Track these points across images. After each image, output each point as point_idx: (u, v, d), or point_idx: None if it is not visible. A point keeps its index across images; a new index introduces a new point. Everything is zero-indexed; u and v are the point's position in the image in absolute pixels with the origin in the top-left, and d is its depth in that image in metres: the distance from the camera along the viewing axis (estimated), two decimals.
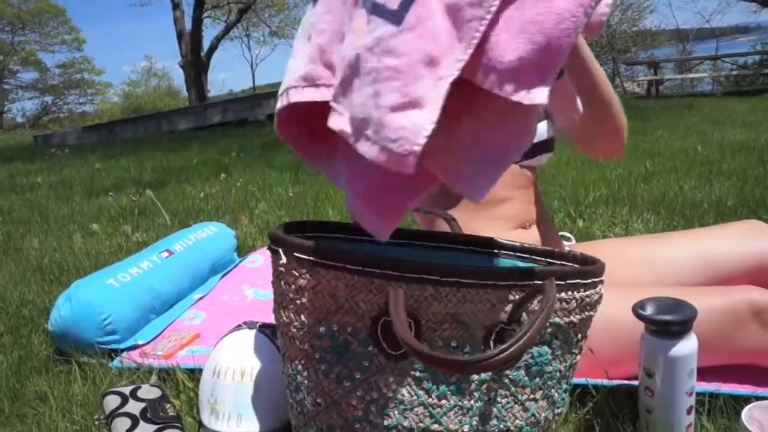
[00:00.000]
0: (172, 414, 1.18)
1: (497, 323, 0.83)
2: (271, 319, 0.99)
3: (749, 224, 1.40)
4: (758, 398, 0.98)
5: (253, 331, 1.16)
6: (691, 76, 13.88)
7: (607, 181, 3.29)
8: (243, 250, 2.44)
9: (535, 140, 1.32)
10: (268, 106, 13.54)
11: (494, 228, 1.26)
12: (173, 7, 15.43)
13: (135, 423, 1.14)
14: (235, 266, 2.17)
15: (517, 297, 0.82)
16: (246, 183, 4.30)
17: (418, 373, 0.84)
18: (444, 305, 0.81)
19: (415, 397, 0.84)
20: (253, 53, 29.39)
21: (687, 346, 1.01)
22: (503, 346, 0.71)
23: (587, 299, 0.89)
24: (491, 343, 0.84)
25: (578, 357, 0.94)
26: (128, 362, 1.49)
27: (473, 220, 1.28)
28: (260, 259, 2.16)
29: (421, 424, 0.85)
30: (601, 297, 0.92)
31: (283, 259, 0.85)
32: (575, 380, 1.16)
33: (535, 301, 0.84)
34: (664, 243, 1.42)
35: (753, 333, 1.14)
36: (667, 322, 1.00)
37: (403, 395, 0.84)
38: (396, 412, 0.85)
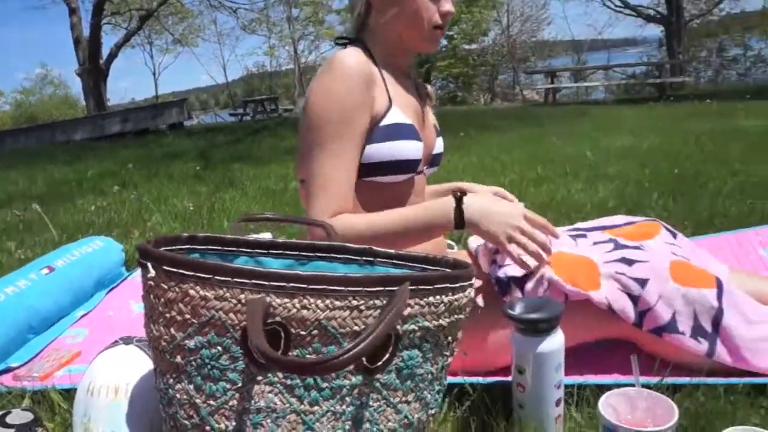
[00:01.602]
0: None
1: (366, 328, 0.84)
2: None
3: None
4: (620, 386, 1.04)
5: (130, 347, 1.13)
6: (585, 84, 14.58)
7: (500, 186, 3.39)
8: (132, 263, 2.37)
9: (437, 152, 1.43)
10: (170, 116, 13.21)
11: None
12: (70, 12, 14.75)
13: None
14: (123, 281, 2.10)
15: (383, 303, 0.84)
16: (141, 195, 4.17)
17: (289, 381, 0.85)
18: (312, 313, 0.83)
19: (287, 405, 0.85)
20: (156, 61, 28.45)
21: (554, 342, 1.06)
22: (348, 346, 0.73)
23: (456, 303, 0.92)
24: None
25: (450, 359, 0.97)
26: None
27: None
28: None
29: (294, 431, 0.86)
30: (470, 300, 0.95)
31: (152, 273, 0.84)
32: (453, 380, 1.20)
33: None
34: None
35: None
36: (534, 320, 1.05)
37: (275, 404, 0.85)
38: (269, 421, 0.85)
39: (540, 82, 15.30)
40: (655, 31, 18.50)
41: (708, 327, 1.18)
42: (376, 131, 1.26)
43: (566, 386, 1.12)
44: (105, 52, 15.69)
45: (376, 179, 1.29)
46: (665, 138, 4.97)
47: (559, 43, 21.85)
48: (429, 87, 1.48)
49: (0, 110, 34.00)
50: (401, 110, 1.30)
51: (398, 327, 0.87)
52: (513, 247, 1.20)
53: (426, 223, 1.22)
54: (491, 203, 1.23)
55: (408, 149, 1.27)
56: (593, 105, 10.75)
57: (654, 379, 1.17)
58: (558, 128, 6.47)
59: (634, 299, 1.20)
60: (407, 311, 0.87)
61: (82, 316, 1.83)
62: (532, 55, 19.32)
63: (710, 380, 1.17)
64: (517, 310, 1.07)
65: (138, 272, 2.11)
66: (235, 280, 0.81)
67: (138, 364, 1.10)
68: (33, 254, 2.63)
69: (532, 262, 1.23)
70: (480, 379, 1.21)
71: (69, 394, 1.30)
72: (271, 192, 3.93)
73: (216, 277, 0.81)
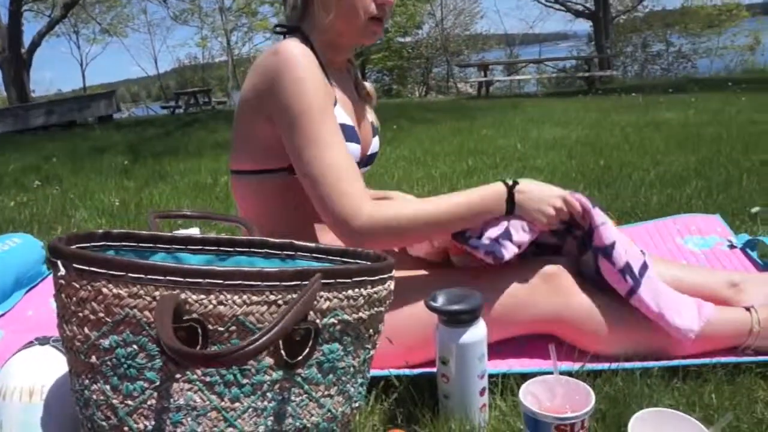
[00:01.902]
0: None
1: None
2: None
3: None
4: (541, 373, 1.07)
5: (46, 347, 1.10)
6: (517, 77, 14.86)
7: (430, 178, 3.43)
8: None
9: (373, 151, 1.43)
10: (98, 108, 12.79)
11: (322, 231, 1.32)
12: None
13: None
14: (43, 279, 2.02)
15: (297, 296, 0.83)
16: (66, 190, 4.03)
17: (208, 378, 0.83)
18: (229, 309, 0.82)
19: (207, 402, 0.84)
20: (83, 51, 27.44)
21: (476, 333, 1.08)
22: (252, 338, 0.73)
23: (375, 295, 0.93)
24: (280, 343, 0.86)
25: (372, 352, 0.97)
26: None
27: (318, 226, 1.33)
28: None
29: (215, 429, 0.84)
30: (390, 293, 0.96)
31: (62, 271, 0.81)
32: (378, 372, 1.21)
33: (321, 299, 0.87)
34: None
35: (543, 299, 1.27)
36: (456, 311, 1.07)
37: (195, 401, 0.83)
38: (189, 419, 0.83)
39: (473, 76, 15.51)
40: (585, 25, 19.07)
41: (636, 270, 1.25)
42: None
43: (490, 375, 1.14)
44: (27, 40, 15.04)
45: None
46: (593, 130, 5.12)
47: (491, 36, 22.21)
48: (369, 85, 1.47)
49: None
50: (342, 109, 1.29)
51: (317, 321, 0.88)
52: (545, 227, 1.28)
53: (480, 210, 1.25)
54: (532, 187, 1.28)
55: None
56: (525, 98, 10.97)
57: (575, 366, 1.21)
58: (490, 121, 6.57)
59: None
60: (326, 305, 0.88)
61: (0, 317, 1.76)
62: (465, 48, 19.57)
63: (627, 365, 1.21)
64: (439, 301, 1.09)
65: None
66: (149, 276, 0.80)
67: (54, 365, 1.07)
68: None
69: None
70: (406, 371, 1.22)
71: None
72: (201, 186, 3.86)
73: (129, 275, 0.79)
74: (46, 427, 1.02)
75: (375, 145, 1.44)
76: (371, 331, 0.95)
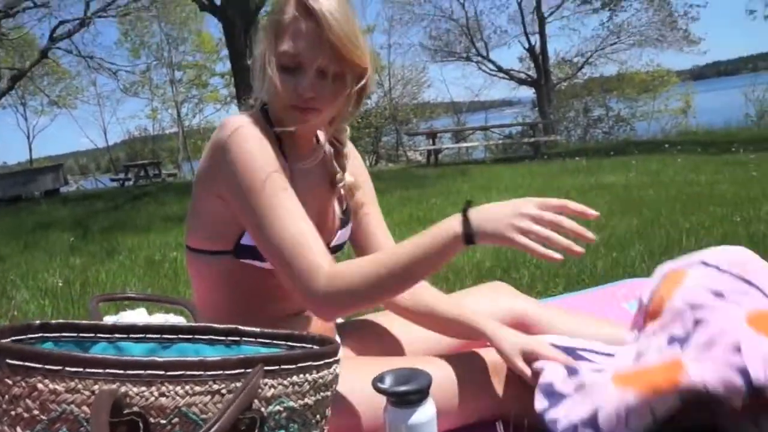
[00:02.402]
0: None
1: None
2: None
3: (491, 285, 1.57)
4: None
5: None
6: (465, 145, 15.22)
7: None
8: None
9: (338, 242, 1.36)
10: (45, 182, 12.60)
11: (279, 321, 1.25)
12: None
13: None
14: None
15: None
16: (8, 269, 3.91)
17: None
18: (171, 401, 0.79)
19: None
20: (30, 123, 27.12)
21: (426, 413, 1.07)
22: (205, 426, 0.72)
23: (321, 380, 0.91)
24: None
25: None
26: None
27: (262, 314, 1.29)
28: None
29: None
30: (336, 377, 0.95)
31: None
32: None
33: (266, 387, 0.85)
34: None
35: (492, 389, 1.26)
36: (404, 392, 1.06)
37: None
38: None
39: (422, 144, 15.83)
40: (528, 92, 19.84)
41: None
42: None
43: None
44: None
45: (252, 263, 1.24)
46: (540, 194, 5.08)
47: (439, 104, 22.78)
48: (350, 180, 1.34)
49: None
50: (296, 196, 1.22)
51: (262, 409, 0.86)
52: (523, 239, 1.04)
53: (433, 245, 1.09)
54: (494, 205, 1.10)
55: None
56: (473, 164, 11.24)
57: None
58: (439, 189, 6.69)
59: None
60: (270, 392, 0.86)
61: None
62: (414, 116, 20.01)
63: None
64: (387, 383, 1.08)
65: None
66: (88, 370, 0.77)
67: None
68: None
69: (548, 251, 1.05)
70: None
71: None
72: (150, 262, 3.80)
73: (66, 368, 0.76)
74: None
75: (341, 236, 1.37)
76: (318, 416, 0.94)
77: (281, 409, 0.87)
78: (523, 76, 19.15)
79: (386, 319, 1.49)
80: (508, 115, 24.01)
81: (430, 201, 5.61)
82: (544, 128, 14.00)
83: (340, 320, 1.56)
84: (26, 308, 2.82)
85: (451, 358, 1.29)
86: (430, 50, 20.44)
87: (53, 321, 0.95)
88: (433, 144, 12.61)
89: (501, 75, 19.67)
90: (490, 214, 1.07)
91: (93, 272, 3.60)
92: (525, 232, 1.04)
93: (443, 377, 1.20)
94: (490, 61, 19.53)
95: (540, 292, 2.36)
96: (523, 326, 1.44)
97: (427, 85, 21.92)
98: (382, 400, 1.09)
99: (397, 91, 20.53)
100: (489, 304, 1.48)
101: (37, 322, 0.93)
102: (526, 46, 18.53)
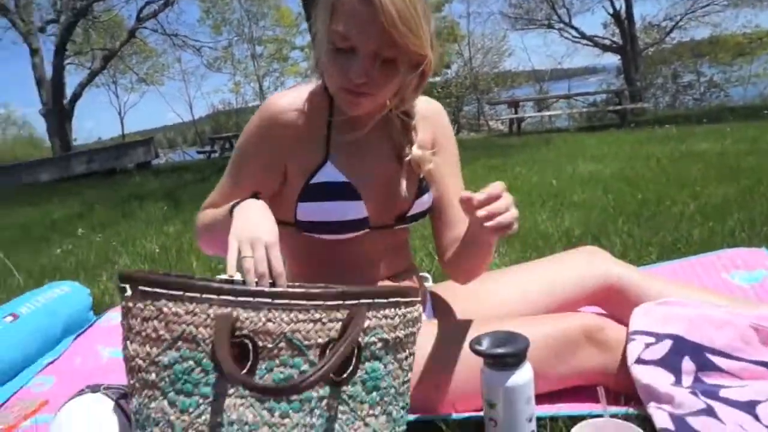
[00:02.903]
0: None
1: (330, 341, 0.90)
2: (124, 379, 0.97)
3: (586, 250, 1.51)
4: (592, 416, 1.05)
5: (97, 395, 1.12)
6: (548, 113, 14.85)
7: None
8: (101, 308, 2.33)
9: (417, 211, 1.36)
10: (137, 155, 13.13)
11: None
12: (31, 53, 14.67)
13: None
14: (90, 326, 2.07)
15: (343, 316, 0.91)
16: (109, 237, 4.13)
17: (259, 394, 0.88)
18: (277, 325, 0.88)
19: (259, 418, 0.88)
20: (122, 100, 28.36)
21: (523, 376, 1.07)
22: (315, 368, 0.80)
23: (408, 315, 0.98)
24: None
25: (409, 375, 0.99)
26: None
27: (341, 279, 1.30)
28: (118, 317, 2.07)
29: None
30: (420, 315, 1.01)
31: (129, 293, 0.89)
32: (426, 417, 1.20)
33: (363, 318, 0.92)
34: (510, 277, 1.50)
35: (588, 354, 1.24)
36: (501, 354, 1.06)
37: (247, 417, 0.88)
38: None
39: (504, 113, 15.56)
40: (613, 59, 19.08)
41: None
42: (306, 189, 1.24)
43: (538, 418, 1.13)
44: (69, 91, 15.59)
45: (313, 236, 1.27)
46: (628, 163, 5.08)
47: (520, 73, 22.29)
48: (416, 154, 1.31)
49: None
50: (341, 165, 1.25)
51: (360, 339, 0.92)
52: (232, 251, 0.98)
53: (223, 220, 1.13)
54: (253, 212, 1.10)
55: (336, 210, 1.23)
56: (557, 133, 10.95)
57: (626, 410, 1.18)
58: (523, 157, 6.57)
59: None
60: (367, 323, 0.92)
61: (49, 364, 1.80)
62: (495, 85, 19.67)
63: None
64: (485, 345, 1.08)
65: (106, 316, 2.10)
66: (204, 296, 0.87)
67: (106, 413, 1.08)
68: None
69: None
70: (453, 415, 1.22)
71: None
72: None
73: (186, 294, 0.87)
74: None
75: (419, 204, 1.35)
76: (407, 352, 0.99)
77: (376, 340, 0.94)
78: (607, 42, 18.40)
79: (481, 285, 1.49)
80: (591, 83, 23.28)
81: (515, 170, 5.51)
82: (630, 95, 13.48)
83: (429, 284, 1.57)
84: None
85: (546, 320, 1.27)
86: (510, 18, 19.92)
87: (173, 273, 1.01)
88: (516, 113, 12.37)
89: (584, 42, 18.98)
90: (236, 223, 1.06)
91: (186, 239, 3.75)
92: (240, 247, 0.99)
93: (539, 340, 1.19)
94: (572, 27, 18.86)
95: (632, 260, 2.28)
96: (618, 292, 1.39)
97: (508, 53, 21.47)
98: (479, 361, 1.10)
99: (477, 60, 20.22)
100: (583, 267, 1.43)
101: (161, 272, 0.99)
102: (611, 11, 17.75)
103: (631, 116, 11.84)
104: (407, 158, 1.31)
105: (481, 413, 1.13)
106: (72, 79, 18.00)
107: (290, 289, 0.89)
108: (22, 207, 6.87)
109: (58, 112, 14.65)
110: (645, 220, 2.94)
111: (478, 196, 1.04)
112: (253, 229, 1.02)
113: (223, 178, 1.32)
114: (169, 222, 4.49)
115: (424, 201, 1.36)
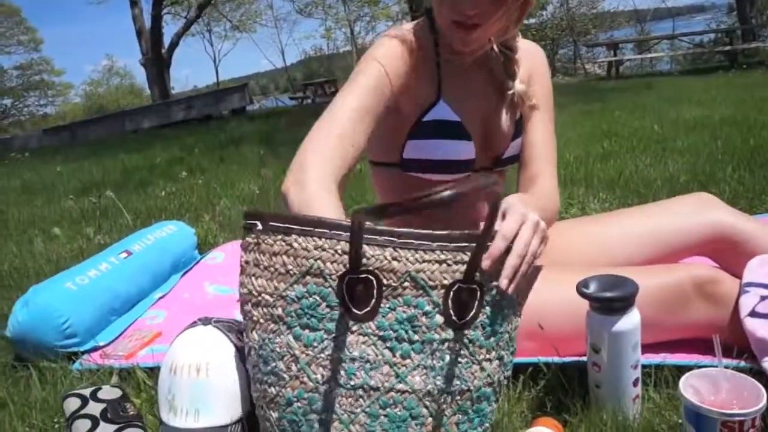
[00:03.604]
0: (132, 413, 1.18)
1: (454, 282, 0.89)
2: (229, 314, 1.01)
3: (697, 197, 1.44)
4: (700, 367, 1.02)
5: (208, 327, 1.17)
6: (649, 55, 14.08)
7: (565, 163, 3.33)
8: (204, 247, 2.44)
9: (512, 153, 1.35)
10: (232, 101, 13.45)
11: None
12: (131, 4, 15.16)
13: (95, 424, 1.14)
14: (196, 264, 2.17)
15: (468, 257, 0.89)
16: (209, 180, 4.28)
17: (382, 333, 0.89)
18: (403, 264, 0.88)
19: (380, 357, 0.89)
20: (216, 48, 29.06)
21: (630, 321, 1.04)
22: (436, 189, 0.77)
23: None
24: (449, 302, 0.89)
25: (518, 321, 0.98)
26: (89, 364, 1.49)
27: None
28: (221, 256, 2.16)
29: (387, 384, 0.90)
30: (540, 266, 0.97)
31: (260, 227, 0.90)
32: (527, 359, 1.20)
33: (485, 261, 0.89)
34: (615, 221, 1.45)
35: (697, 307, 1.18)
36: (609, 298, 1.04)
37: (369, 354, 0.89)
38: (362, 372, 0.89)
39: (602, 55, 14.89)
40: None
41: None
42: (418, 126, 1.24)
43: (643, 366, 1.10)
44: (166, 41, 16.06)
45: (418, 175, 1.27)
46: (738, 108, 4.77)
47: (620, 13, 21.22)
48: (520, 87, 1.31)
49: (71, 102, 35.40)
50: (452, 105, 1.25)
51: (483, 282, 0.91)
52: None
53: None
54: None
55: (448, 149, 1.23)
56: (659, 77, 10.40)
57: (735, 362, 1.13)
58: (622, 102, 6.29)
59: None
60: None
61: (160, 298, 1.91)
62: (592, 27, 18.82)
63: None
64: (592, 288, 1.06)
65: (210, 255, 2.19)
66: (333, 231, 0.87)
67: (217, 343, 1.14)
68: (110, 239, 2.75)
69: None
70: (555, 358, 1.20)
71: (153, 372, 1.36)
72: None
73: (316, 229, 0.88)
74: (213, 401, 1.09)
75: (513, 148, 1.35)
76: (522, 298, 0.97)
77: (495, 284, 0.91)
78: None
79: (581, 228, 1.45)
80: (698, 22, 21.83)
81: (614, 114, 5.29)
82: (743, 34, 12.54)
83: None
84: (228, 213, 3.08)
85: (656, 271, 1.22)
86: None
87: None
88: (614, 55, 11.80)
89: None
90: None
91: (283, 182, 3.83)
92: None
93: (648, 291, 1.13)
94: None
95: (743, 209, 2.15)
96: (731, 243, 1.32)
97: None
98: (584, 305, 1.07)
99: (574, 1, 19.31)
100: (693, 215, 1.36)
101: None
102: None
103: (743, 57, 11.05)
104: (510, 92, 1.30)
105: (584, 358, 1.11)
106: (169, 29, 18.52)
107: (417, 230, 0.88)
108: (128, 153, 7.20)
109: (157, 61, 15.14)
110: (758, 166, 2.77)
111: (498, 244, 0.91)
112: None
113: (336, 99, 1.18)
114: (266, 165, 4.60)
115: (519, 143, 1.35)
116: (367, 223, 0.85)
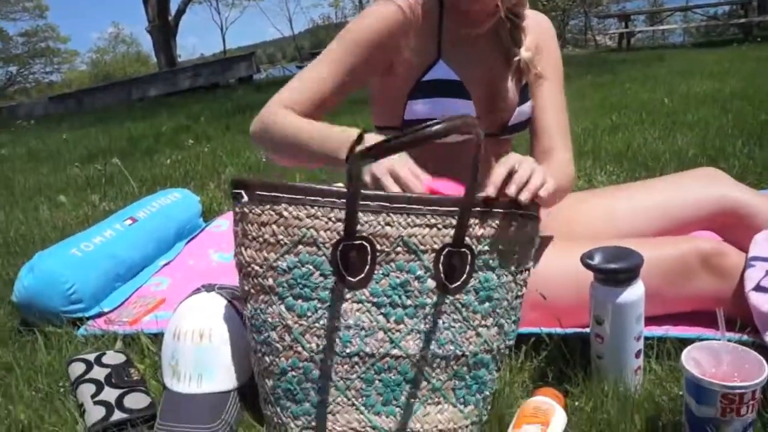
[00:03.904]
0: (136, 378, 1.20)
1: (444, 246, 0.90)
2: (234, 281, 1.01)
3: (705, 171, 1.43)
4: (703, 340, 1.01)
5: (211, 294, 1.18)
6: (662, 27, 13.92)
7: (573, 135, 3.30)
8: (209, 215, 2.44)
9: (518, 120, 1.34)
10: (239, 70, 13.37)
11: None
12: None
13: (100, 388, 1.16)
14: (201, 231, 2.17)
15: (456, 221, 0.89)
16: (215, 148, 4.27)
17: (376, 299, 0.89)
18: (395, 229, 0.88)
19: (375, 323, 0.90)
20: (223, 16, 28.89)
21: (634, 293, 1.04)
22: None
23: (524, 229, 0.96)
24: (440, 266, 0.90)
25: (524, 290, 0.98)
26: (93, 330, 1.49)
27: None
28: (225, 224, 2.16)
29: (381, 349, 0.91)
30: (538, 236, 0.98)
31: (245, 198, 0.89)
32: (529, 329, 1.20)
33: (476, 226, 0.91)
34: (622, 194, 1.45)
35: (702, 279, 1.18)
36: (613, 270, 1.03)
37: (363, 321, 0.90)
38: (357, 339, 0.90)
39: (613, 27, 14.71)
40: None
41: None
42: (417, 87, 1.24)
43: (646, 338, 1.10)
44: (173, 8, 15.92)
45: None
46: (751, 81, 4.70)
47: None
48: (525, 55, 1.31)
49: (77, 70, 35.29)
50: (452, 65, 1.25)
51: (473, 246, 0.91)
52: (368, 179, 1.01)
53: (324, 145, 1.12)
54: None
55: (447, 107, 1.23)
56: (671, 49, 10.26)
57: (737, 335, 1.13)
58: (633, 74, 6.22)
59: None
60: (480, 231, 0.92)
61: (164, 265, 1.91)
62: None
63: None
64: (596, 259, 1.05)
65: (215, 223, 2.19)
66: (326, 199, 0.87)
67: (220, 310, 1.14)
68: (115, 206, 2.75)
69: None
70: (557, 330, 1.20)
71: (157, 338, 1.37)
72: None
73: (308, 197, 0.87)
74: (215, 366, 1.10)
75: (520, 114, 1.34)
76: (522, 266, 0.97)
77: (489, 248, 0.93)
78: None
79: (589, 201, 1.44)
80: None
81: (624, 86, 5.24)
82: (758, 6, 12.33)
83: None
84: None
85: (661, 243, 1.22)
86: None
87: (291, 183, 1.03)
88: (626, 27, 11.64)
89: None
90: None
91: None
92: (375, 180, 1.00)
93: (653, 263, 1.12)
94: None
95: (752, 184, 2.14)
96: (738, 217, 1.31)
97: None
98: (589, 276, 1.07)
99: None
100: (700, 190, 1.35)
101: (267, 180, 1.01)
102: None
103: (758, 30, 10.88)
104: (516, 59, 1.30)
105: (587, 329, 1.11)
106: None
107: (408, 195, 0.89)
108: (134, 121, 7.18)
109: (164, 28, 15.02)
110: None
111: (499, 170, 0.96)
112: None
113: (308, 71, 1.25)
114: None
115: (525, 110, 1.34)
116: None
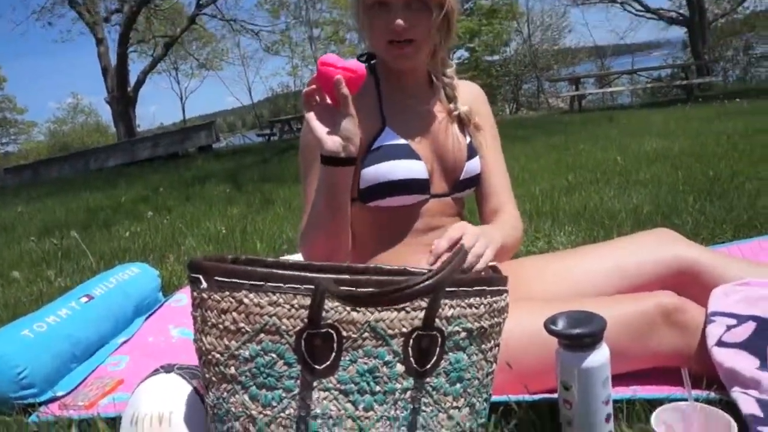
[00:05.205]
0: None
1: (414, 329, 0.88)
2: (195, 359, 0.98)
3: (658, 233, 1.47)
4: (671, 400, 1.01)
5: (171, 375, 1.13)
6: (610, 89, 14.48)
7: (531, 196, 3.37)
8: (169, 288, 2.39)
9: (468, 176, 1.39)
10: (199, 139, 13.39)
11: (425, 253, 1.27)
12: (97, 42, 15.11)
13: None
14: (160, 306, 2.11)
15: (426, 304, 0.88)
16: (174, 219, 4.22)
17: (343, 387, 0.86)
18: (362, 315, 0.86)
19: (343, 411, 0.86)
20: (182, 86, 29.06)
21: (599, 357, 1.03)
22: (413, 280, 0.79)
23: (495, 305, 0.95)
24: (409, 350, 0.88)
25: (494, 366, 0.98)
26: (46, 416, 1.42)
27: (406, 248, 1.34)
28: (185, 298, 2.11)
29: None
30: (507, 305, 0.98)
31: (204, 285, 0.86)
32: (497, 398, 1.18)
33: (446, 307, 0.89)
34: (581, 256, 1.46)
35: (665, 335, 1.19)
36: (578, 335, 1.03)
37: (331, 410, 0.86)
38: (325, 429, 0.86)
39: (564, 90, 15.20)
40: (679, 32, 18.32)
41: None
42: (368, 154, 1.29)
43: (615, 401, 1.09)
44: (132, 79, 15.98)
45: (378, 203, 1.31)
46: (696, 140, 4.89)
47: (581, 49, 21.74)
48: (464, 109, 1.41)
49: (35, 140, 34.85)
50: (397, 130, 1.32)
51: (443, 328, 0.90)
52: None
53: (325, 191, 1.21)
54: None
55: (399, 169, 1.28)
56: (620, 110, 10.65)
57: (704, 393, 1.13)
58: (585, 135, 6.41)
59: None
60: (450, 312, 0.90)
61: (123, 343, 1.85)
62: (555, 63, 19.25)
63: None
64: (560, 325, 1.05)
65: (174, 297, 2.15)
66: (288, 285, 0.84)
67: (179, 392, 1.10)
68: (72, 282, 2.68)
69: None
70: (525, 397, 1.19)
71: (114, 422, 1.31)
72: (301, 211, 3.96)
73: (269, 284, 0.84)
74: None
75: (470, 169, 1.40)
76: (492, 342, 0.96)
77: (460, 329, 0.91)
78: (673, 14, 17.68)
79: (547, 265, 1.46)
80: (655, 58, 22.53)
81: (578, 147, 5.38)
82: (697, 70, 12.95)
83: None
84: (194, 253, 3.03)
85: (622, 300, 1.23)
86: None
87: (242, 256, 1.01)
88: (577, 89, 12.07)
89: (649, 15, 18.24)
90: None
91: (250, 220, 3.80)
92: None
93: (615, 320, 1.13)
94: (636, 0, 18.19)
95: (705, 239, 2.20)
96: (694, 276, 1.34)
97: (568, 30, 21.02)
98: (553, 342, 1.07)
99: (536, 38, 19.79)
100: (654, 251, 1.38)
101: (229, 255, 0.99)
102: None
103: (698, 91, 11.40)
104: (456, 112, 1.40)
105: (555, 395, 1.10)
106: (135, 66, 18.45)
107: (376, 278, 0.87)
108: (91, 192, 7.09)
109: (123, 99, 15.04)
110: (718, 197, 2.83)
111: (441, 243, 1.14)
112: None
113: (304, 194, 1.36)
114: (232, 203, 4.57)
115: (473, 165, 1.41)
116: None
